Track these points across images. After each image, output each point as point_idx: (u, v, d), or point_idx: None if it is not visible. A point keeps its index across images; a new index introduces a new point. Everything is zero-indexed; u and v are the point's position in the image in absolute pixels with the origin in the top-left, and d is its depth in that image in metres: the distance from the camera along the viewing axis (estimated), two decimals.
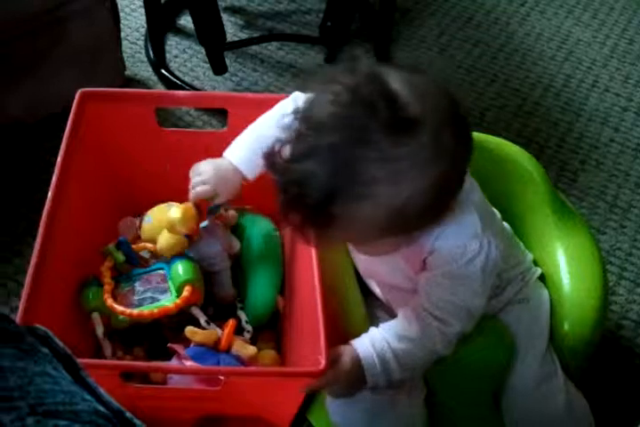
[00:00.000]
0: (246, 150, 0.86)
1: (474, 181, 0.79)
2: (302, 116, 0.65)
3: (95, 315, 0.90)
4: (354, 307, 0.86)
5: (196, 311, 0.91)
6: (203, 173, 0.87)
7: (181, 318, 0.91)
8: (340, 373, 0.75)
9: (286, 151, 0.66)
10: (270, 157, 0.67)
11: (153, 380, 0.87)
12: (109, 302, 0.89)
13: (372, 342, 0.76)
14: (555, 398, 0.85)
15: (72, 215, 0.89)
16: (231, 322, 0.90)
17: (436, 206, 0.67)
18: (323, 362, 0.72)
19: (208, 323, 0.90)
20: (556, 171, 1.31)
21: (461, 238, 0.74)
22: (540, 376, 0.85)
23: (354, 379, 0.76)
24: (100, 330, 0.89)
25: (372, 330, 0.78)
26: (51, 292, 0.81)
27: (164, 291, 0.91)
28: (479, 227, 0.74)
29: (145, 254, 0.98)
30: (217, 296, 0.96)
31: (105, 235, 1.01)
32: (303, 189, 0.63)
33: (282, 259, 1.00)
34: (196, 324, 0.90)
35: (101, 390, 0.45)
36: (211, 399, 0.82)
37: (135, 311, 0.88)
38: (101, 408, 0.43)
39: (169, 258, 0.92)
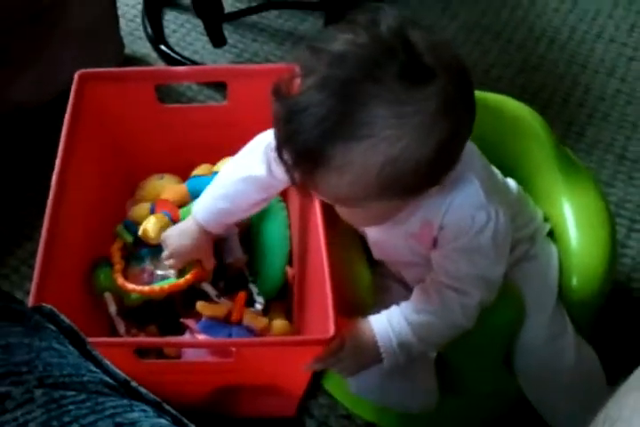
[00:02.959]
0: (213, 212, 0.87)
1: (474, 147, 0.78)
2: (317, 51, 0.64)
3: (107, 294, 0.91)
4: (360, 276, 0.86)
5: (207, 287, 0.92)
6: (169, 246, 0.89)
7: (193, 293, 0.92)
8: (351, 345, 0.75)
9: (295, 84, 0.65)
10: (278, 88, 0.66)
11: (167, 355, 0.88)
12: (120, 280, 0.90)
13: (389, 319, 0.76)
14: (565, 354, 0.85)
15: (78, 197, 0.89)
16: (241, 295, 0.91)
17: (433, 166, 0.66)
18: (332, 330, 0.72)
19: (219, 297, 0.91)
20: (563, 125, 1.29)
21: (468, 211, 0.73)
22: (551, 332, 0.85)
23: (366, 353, 0.76)
24: (112, 308, 0.91)
25: (392, 308, 0.77)
26: (62, 274, 0.82)
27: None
28: (483, 197, 0.74)
29: None
30: (228, 264, 0.97)
31: (114, 214, 1.02)
32: (306, 119, 0.62)
33: (289, 230, 1.01)
34: (208, 299, 0.91)
35: (107, 363, 0.47)
36: (224, 371, 0.83)
37: (146, 288, 0.89)
38: (107, 379, 0.44)
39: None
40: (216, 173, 0.97)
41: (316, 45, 0.65)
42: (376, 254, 0.87)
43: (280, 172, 0.80)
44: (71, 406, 0.40)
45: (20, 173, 1.21)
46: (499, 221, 0.74)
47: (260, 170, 0.84)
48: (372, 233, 0.83)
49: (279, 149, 0.67)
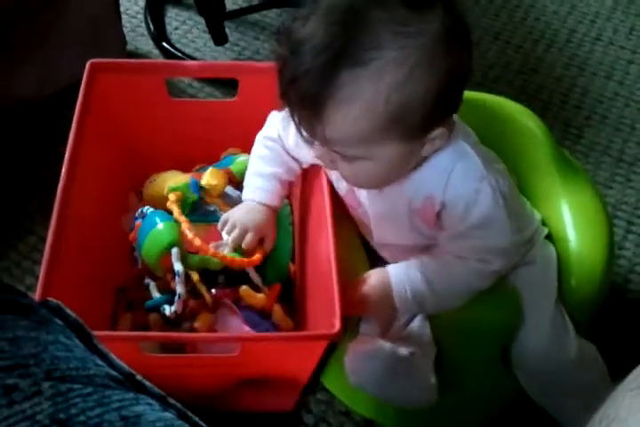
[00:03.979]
0: (259, 180, 0.89)
1: (466, 125, 0.79)
2: None
3: (175, 250, 0.84)
4: (360, 272, 0.87)
5: (252, 273, 0.91)
6: (240, 223, 0.87)
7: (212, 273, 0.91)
8: (368, 290, 0.79)
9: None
10: (281, 30, 0.66)
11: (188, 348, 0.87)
12: (197, 241, 0.84)
13: (407, 270, 0.78)
14: (568, 354, 0.85)
15: (86, 188, 0.89)
16: (277, 286, 0.92)
17: (438, 99, 0.66)
18: (337, 325, 0.72)
19: (264, 284, 0.91)
20: (560, 127, 1.30)
21: (470, 184, 0.74)
22: (552, 333, 0.85)
23: (383, 300, 0.79)
24: (179, 267, 0.83)
25: (412, 260, 0.80)
26: (67, 267, 0.82)
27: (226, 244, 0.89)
28: (483, 168, 0.75)
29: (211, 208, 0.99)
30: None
31: (119, 206, 1.03)
32: (309, 50, 0.62)
33: (292, 227, 1.01)
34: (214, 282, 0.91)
35: (113, 356, 0.47)
36: (229, 365, 0.83)
37: (228, 256, 0.85)
38: (113, 372, 0.45)
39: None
40: (227, 156, 1.02)
41: None
42: (378, 239, 0.87)
43: (289, 137, 0.83)
44: (78, 399, 0.41)
45: (22, 167, 1.21)
46: (503, 189, 0.75)
47: (272, 133, 0.87)
48: (376, 209, 0.83)
49: (286, 93, 0.66)
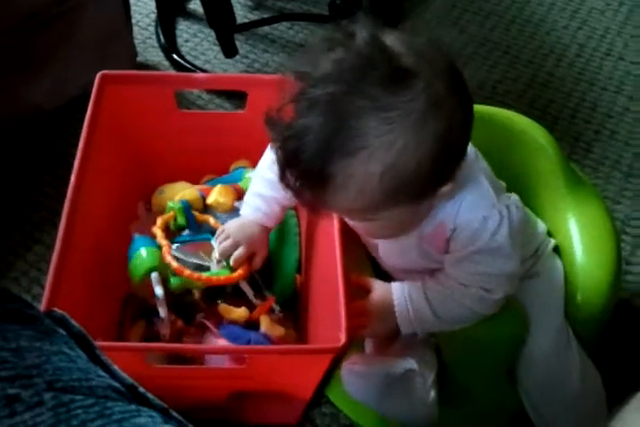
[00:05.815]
0: (262, 211, 0.90)
1: (477, 150, 0.79)
2: (301, 75, 0.66)
3: (155, 275, 0.87)
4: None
5: (245, 286, 0.92)
6: (233, 236, 0.90)
7: (212, 289, 0.92)
8: (370, 304, 0.81)
9: (286, 111, 0.66)
10: (270, 117, 0.67)
11: (189, 359, 0.88)
12: (174, 264, 0.86)
13: (410, 289, 0.80)
14: (569, 371, 0.85)
15: (94, 197, 0.90)
16: (270, 299, 0.92)
17: (435, 167, 0.66)
18: (343, 339, 0.72)
19: (256, 298, 0.91)
20: (570, 142, 1.30)
21: (480, 211, 0.74)
22: (556, 350, 0.85)
23: (384, 316, 0.81)
24: (159, 290, 0.86)
25: (415, 281, 0.81)
26: (73, 276, 0.82)
27: (210, 260, 0.91)
28: (493, 195, 0.75)
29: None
30: None
31: (127, 216, 1.03)
32: (300, 143, 0.64)
33: (299, 238, 1.01)
34: (226, 297, 0.92)
35: (115, 368, 0.47)
36: (236, 377, 0.83)
37: (204, 275, 0.86)
38: (115, 384, 0.45)
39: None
40: (237, 168, 1.04)
41: (300, 70, 0.66)
42: (385, 261, 0.87)
43: None
44: (79, 411, 0.41)
45: (31, 176, 1.22)
46: (512, 217, 0.75)
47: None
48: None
49: (282, 174, 0.68)
